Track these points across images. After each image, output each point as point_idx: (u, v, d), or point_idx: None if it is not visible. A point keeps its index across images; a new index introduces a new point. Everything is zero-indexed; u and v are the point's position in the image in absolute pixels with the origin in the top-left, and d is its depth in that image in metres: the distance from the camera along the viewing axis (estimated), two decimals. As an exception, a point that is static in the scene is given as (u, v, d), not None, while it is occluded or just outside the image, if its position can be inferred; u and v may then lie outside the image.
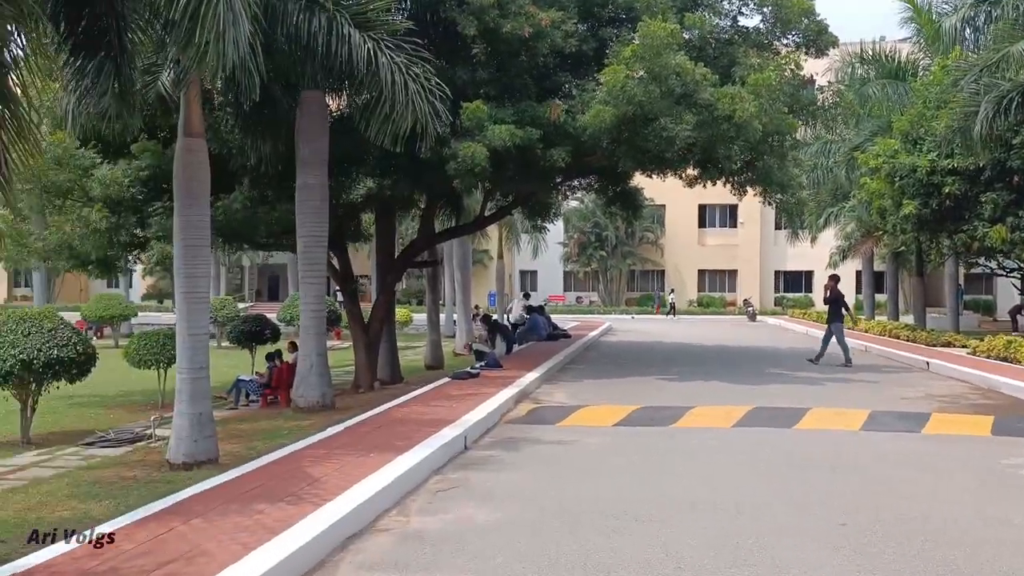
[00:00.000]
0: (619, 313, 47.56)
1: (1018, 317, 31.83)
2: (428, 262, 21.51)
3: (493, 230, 37.26)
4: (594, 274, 52.92)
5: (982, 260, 27.85)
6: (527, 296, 29.16)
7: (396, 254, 18.94)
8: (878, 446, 9.38)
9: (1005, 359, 17.12)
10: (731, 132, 14.49)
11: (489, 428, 10.27)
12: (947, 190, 20.07)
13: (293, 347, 15.76)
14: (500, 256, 36.00)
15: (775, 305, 50.49)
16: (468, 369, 15.15)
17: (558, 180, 18.54)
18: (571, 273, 54.15)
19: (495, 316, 28.28)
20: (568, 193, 23.38)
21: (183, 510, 6.47)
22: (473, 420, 9.82)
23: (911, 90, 23.80)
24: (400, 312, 31.27)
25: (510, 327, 25.46)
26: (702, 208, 51.84)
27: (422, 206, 19.24)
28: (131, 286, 45.43)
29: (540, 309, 26.31)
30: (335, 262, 18.12)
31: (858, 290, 46.93)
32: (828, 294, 19.07)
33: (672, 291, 49.13)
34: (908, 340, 23.16)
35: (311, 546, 5.64)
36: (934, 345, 21.62)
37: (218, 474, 8.02)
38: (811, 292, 50.81)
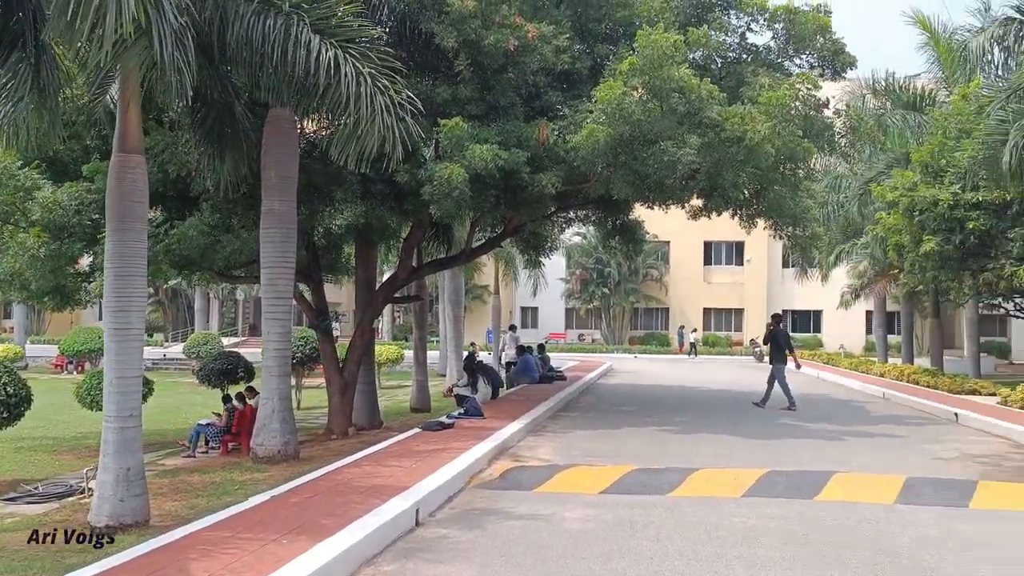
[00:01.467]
0: (622, 352, 46.16)
1: None
2: (412, 297, 20.09)
3: (490, 265, 35.92)
4: (596, 311, 51.61)
5: (999, 300, 26.31)
6: (513, 328, 27.52)
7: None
8: (921, 528, 7.74)
9: (1043, 410, 15.51)
10: (740, 156, 13.12)
11: (452, 495, 8.67)
12: (971, 225, 18.59)
13: (251, 392, 14.48)
14: (497, 292, 34.52)
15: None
16: (442, 419, 13.52)
17: (551, 209, 17.14)
18: (573, 310, 52.87)
19: (482, 355, 26.76)
20: (564, 225, 22.11)
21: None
22: (432, 486, 8.23)
23: (931, 120, 22.39)
24: (391, 349, 29.84)
25: (504, 367, 23.95)
26: (707, 245, 50.94)
27: (403, 236, 17.92)
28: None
29: (540, 348, 24.78)
30: (310, 296, 16.90)
31: (869, 331, 45.45)
32: (769, 332, 18.24)
33: (695, 330, 47.77)
34: (929, 387, 21.45)
35: None
36: (958, 392, 19.97)
37: (141, 542, 6.82)
38: (820, 333, 49.44)
